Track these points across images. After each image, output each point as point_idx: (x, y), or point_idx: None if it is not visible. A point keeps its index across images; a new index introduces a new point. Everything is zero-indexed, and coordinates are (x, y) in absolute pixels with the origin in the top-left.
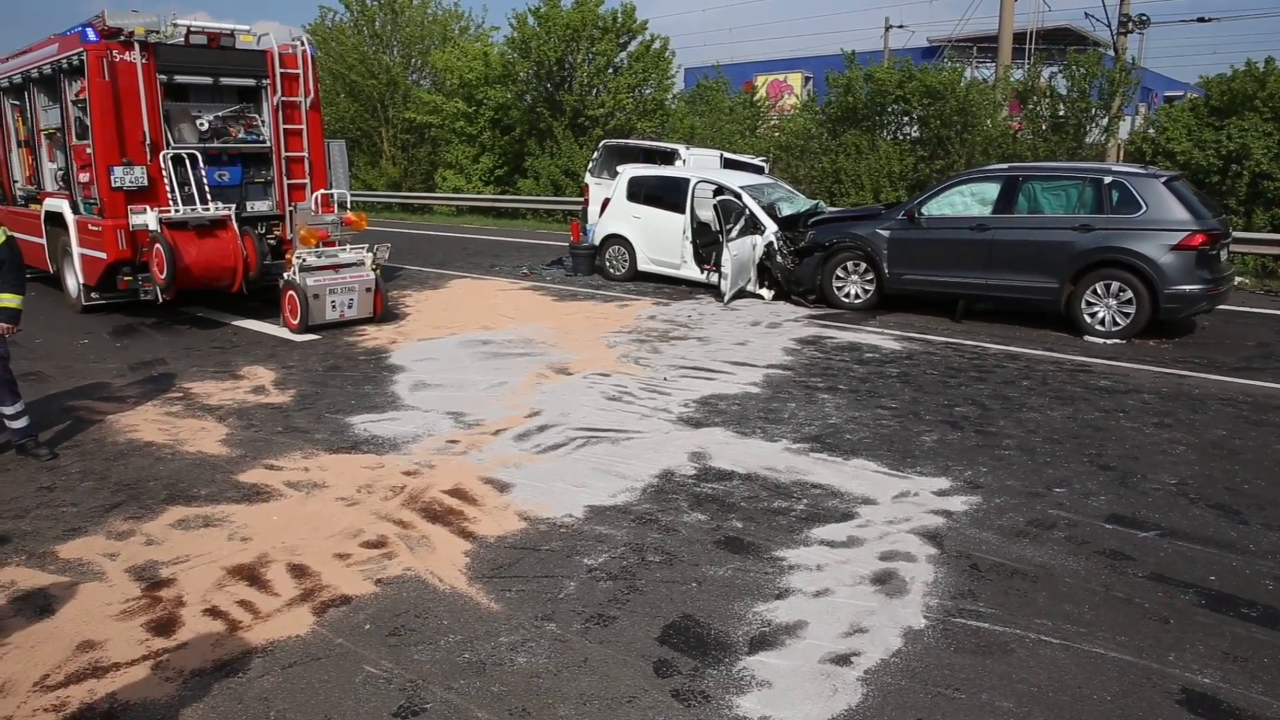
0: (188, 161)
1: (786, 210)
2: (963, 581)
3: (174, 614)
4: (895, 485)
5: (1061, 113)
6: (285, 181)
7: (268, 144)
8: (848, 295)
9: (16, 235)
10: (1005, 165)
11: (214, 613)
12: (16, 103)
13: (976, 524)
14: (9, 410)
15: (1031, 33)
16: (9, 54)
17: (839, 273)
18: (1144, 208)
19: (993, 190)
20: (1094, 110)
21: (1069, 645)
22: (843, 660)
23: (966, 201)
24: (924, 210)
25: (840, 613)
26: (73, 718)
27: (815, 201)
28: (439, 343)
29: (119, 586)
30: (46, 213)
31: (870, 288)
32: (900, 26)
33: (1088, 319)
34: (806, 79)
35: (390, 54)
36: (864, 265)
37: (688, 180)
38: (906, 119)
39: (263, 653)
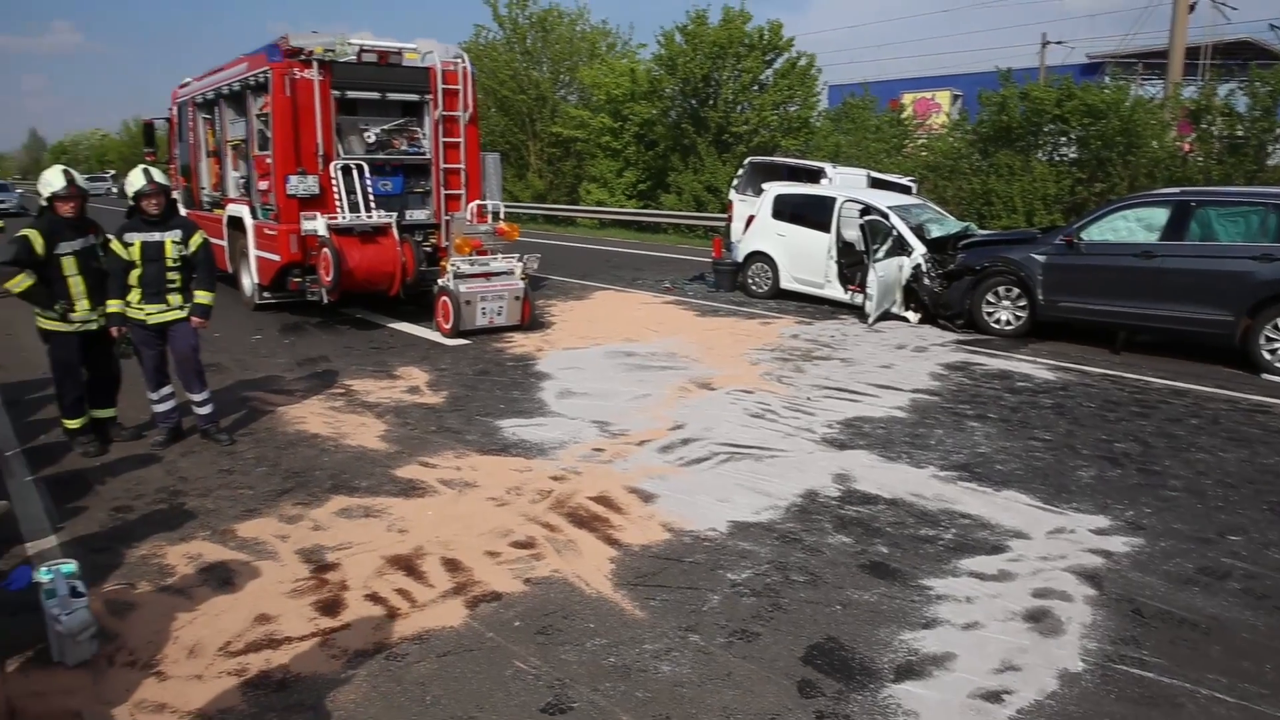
0: (355, 171)
1: (935, 232)
2: (1124, 626)
3: (338, 596)
4: (1049, 520)
5: (1240, 133)
6: (443, 192)
7: (428, 156)
8: (998, 321)
9: None
10: (1176, 189)
11: (374, 598)
12: (208, 117)
13: (1139, 567)
14: (197, 397)
15: (1206, 47)
16: (202, 73)
17: (989, 298)
18: None
19: (1161, 215)
20: (1278, 130)
21: (1247, 706)
22: (994, 697)
23: (1131, 227)
24: (1084, 235)
25: (991, 648)
26: (252, 682)
27: (966, 224)
28: (584, 352)
29: (290, 566)
30: (228, 217)
31: (1023, 314)
32: (1058, 43)
33: (1267, 356)
34: (956, 97)
35: (540, 70)
36: (1016, 291)
37: (834, 199)
38: (1064, 139)
39: (419, 640)
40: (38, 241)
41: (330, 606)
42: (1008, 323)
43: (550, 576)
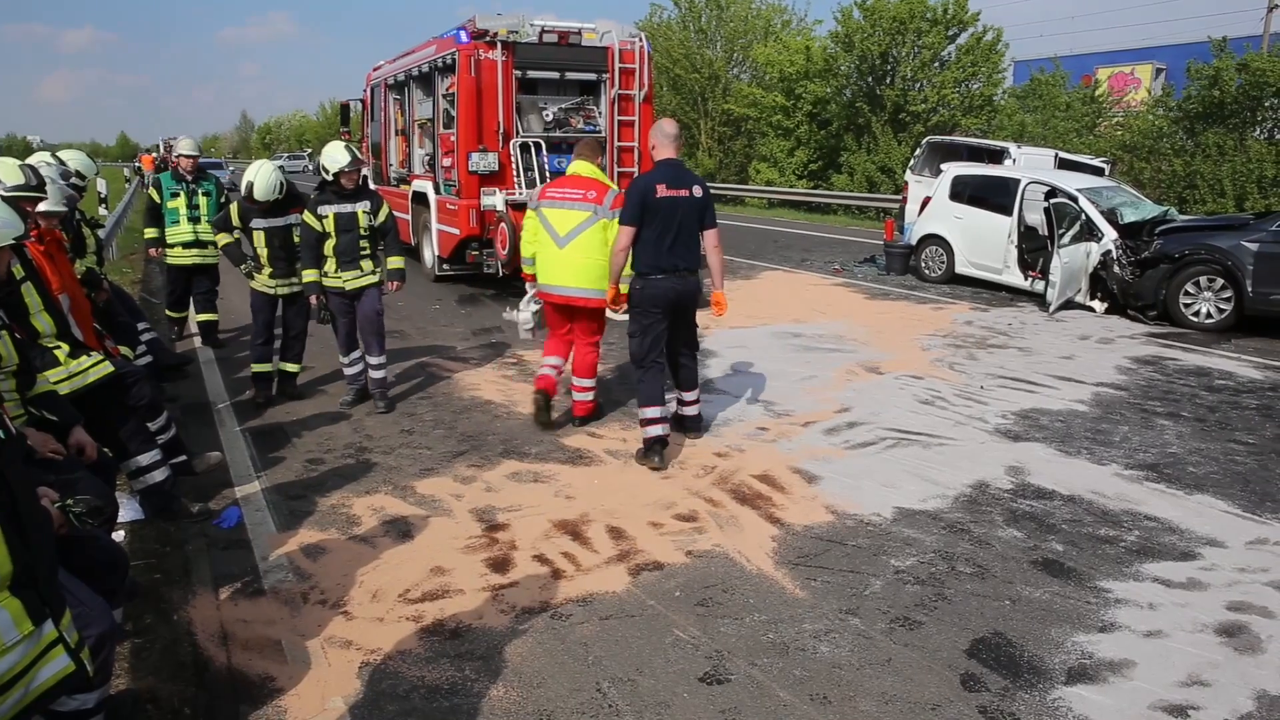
0: (533, 149)
1: (1130, 216)
2: None
3: (508, 555)
4: (1249, 530)
5: None
6: (616, 169)
7: (603, 134)
8: (1196, 314)
9: None
10: None
11: (541, 559)
12: (398, 97)
13: None
14: (373, 360)
15: None
16: (394, 56)
17: (1188, 288)
18: None
19: None
20: None
21: None
22: (1178, 711)
23: None
24: None
25: (1175, 659)
26: (427, 629)
27: (1165, 208)
28: (750, 332)
29: (464, 524)
30: (413, 192)
31: (1226, 307)
32: None
33: None
34: (1158, 71)
35: (713, 49)
36: (1220, 281)
37: (1018, 181)
38: None
39: (583, 602)
40: (234, 213)
41: (500, 564)
42: (1208, 315)
43: (711, 550)
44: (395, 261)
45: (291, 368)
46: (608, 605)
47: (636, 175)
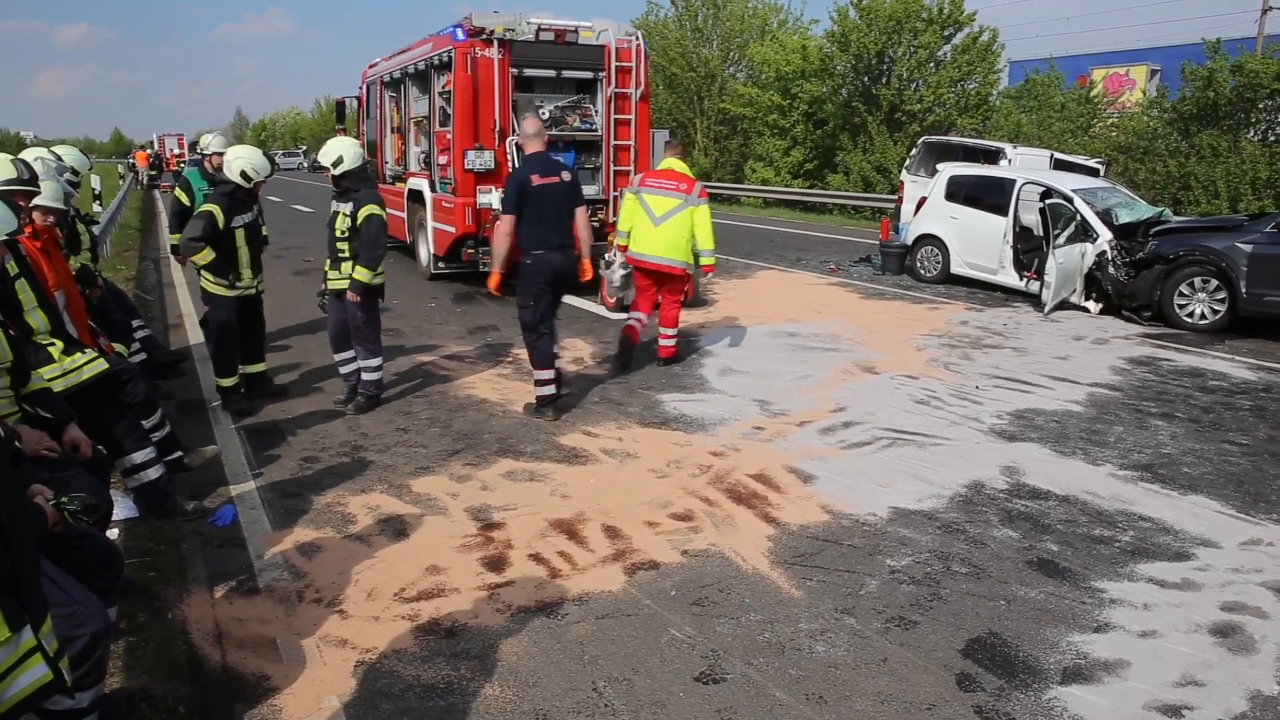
0: None
1: (1125, 217)
2: None
3: (503, 554)
4: (1243, 530)
5: None
6: (612, 168)
7: (599, 132)
8: (1191, 315)
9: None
10: None
11: (537, 559)
12: (394, 95)
13: None
14: (362, 362)
15: None
16: (390, 54)
17: (1183, 289)
18: None
19: None
20: None
21: None
22: (1172, 711)
23: None
24: None
25: (1170, 659)
26: (422, 628)
27: (1160, 209)
28: (746, 331)
29: (459, 523)
30: (409, 190)
31: (1220, 308)
32: None
33: None
34: (1153, 72)
35: (709, 47)
36: (1214, 282)
37: (1013, 181)
38: None
39: (578, 601)
40: (219, 216)
41: (496, 563)
42: (1202, 316)
43: (707, 549)
44: (358, 272)
45: (259, 368)
46: (603, 604)
47: (512, 169)
